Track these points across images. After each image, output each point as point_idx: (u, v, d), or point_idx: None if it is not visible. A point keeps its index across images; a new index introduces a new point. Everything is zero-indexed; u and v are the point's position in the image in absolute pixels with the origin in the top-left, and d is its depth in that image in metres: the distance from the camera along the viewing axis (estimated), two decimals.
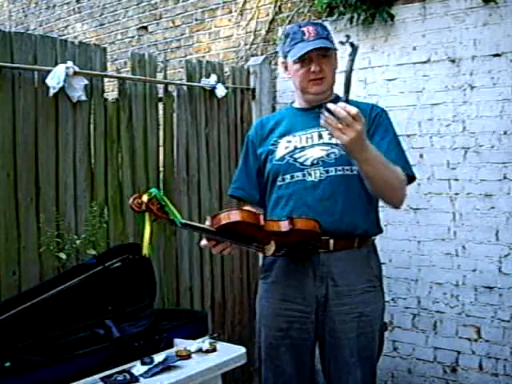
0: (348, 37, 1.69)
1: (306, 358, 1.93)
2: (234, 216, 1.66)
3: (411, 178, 1.91)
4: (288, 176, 1.89)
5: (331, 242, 1.84)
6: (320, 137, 1.89)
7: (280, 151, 1.92)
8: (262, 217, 1.72)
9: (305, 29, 1.85)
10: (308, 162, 1.86)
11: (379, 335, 1.93)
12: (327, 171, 1.84)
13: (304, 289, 1.87)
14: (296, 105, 2.03)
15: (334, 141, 1.84)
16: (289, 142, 1.92)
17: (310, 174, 1.86)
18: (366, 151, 1.65)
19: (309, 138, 1.90)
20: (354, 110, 1.56)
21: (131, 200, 1.55)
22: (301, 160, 1.88)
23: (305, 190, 1.86)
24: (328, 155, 1.85)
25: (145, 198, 1.52)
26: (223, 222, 1.65)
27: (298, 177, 1.87)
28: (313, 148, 1.88)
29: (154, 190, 1.54)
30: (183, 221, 1.62)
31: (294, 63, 1.88)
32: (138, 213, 1.54)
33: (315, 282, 1.86)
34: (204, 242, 1.75)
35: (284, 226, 1.72)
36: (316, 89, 1.90)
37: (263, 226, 1.69)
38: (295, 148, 1.90)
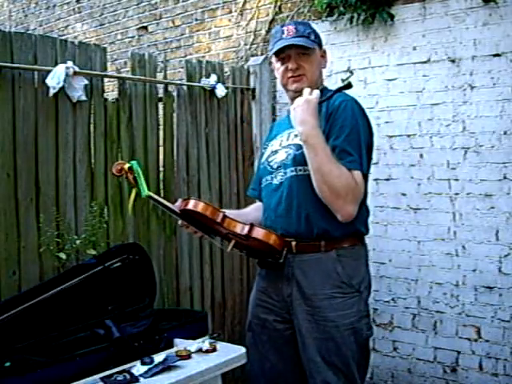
0: (351, 73, 1.78)
1: (287, 349, 1.93)
2: (195, 206, 1.78)
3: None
4: (264, 180, 1.97)
5: (293, 244, 1.84)
6: (288, 138, 1.92)
7: (265, 155, 2.01)
8: (221, 214, 1.79)
9: (285, 28, 1.89)
10: (275, 166, 1.91)
11: (356, 341, 1.84)
12: (285, 173, 1.87)
13: (276, 286, 1.91)
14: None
15: (295, 141, 1.87)
16: (272, 145, 1.99)
17: (275, 177, 1.90)
18: (306, 125, 1.71)
19: (282, 141, 1.95)
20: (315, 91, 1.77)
21: (115, 164, 1.77)
22: (272, 164, 1.93)
23: (270, 193, 1.91)
24: (287, 157, 1.87)
25: (126, 166, 1.74)
26: (186, 207, 1.79)
27: (267, 180, 1.94)
28: (281, 150, 1.92)
29: (133, 162, 1.75)
30: (149, 193, 1.76)
31: (276, 61, 1.93)
32: (117, 177, 1.81)
33: (283, 282, 1.89)
34: (180, 221, 1.89)
35: (241, 229, 1.78)
36: (295, 86, 1.91)
37: (220, 222, 1.77)
38: (271, 152, 1.97)
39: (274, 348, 1.94)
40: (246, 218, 1.93)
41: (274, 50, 1.88)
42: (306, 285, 1.85)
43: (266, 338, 1.95)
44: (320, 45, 1.95)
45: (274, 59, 1.95)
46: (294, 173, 1.84)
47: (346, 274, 1.84)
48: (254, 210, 2.06)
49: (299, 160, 1.81)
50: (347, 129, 1.77)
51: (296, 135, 1.84)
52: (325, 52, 1.98)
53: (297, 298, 1.86)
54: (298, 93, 1.86)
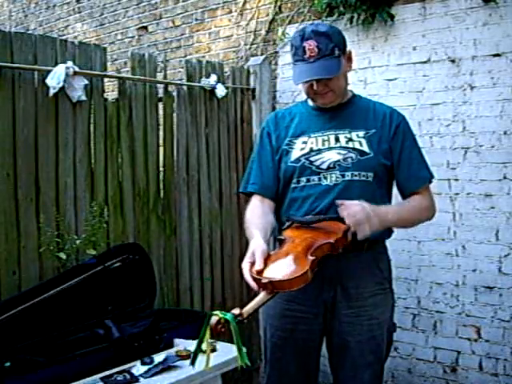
0: None
1: (311, 359, 1.93)
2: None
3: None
4: (304, 179, 1.86)
5: None
6: (337, 140, 1.87)
7: (295, 152, 1.89)
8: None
9: (306, 44, 1.78)
10: (324, 166, 1.84)
11: (388, 336, 1.92)
12: (343, 175, 1.82)
13: (311, 291, 1.83)
14: (310, 103, 1.98)
15: (351, 145, 1.85)
16: (304, 143, 1.89)
17: (325, 178, 1.83)
18: (382, 222, 1.71)
19: (325, 141, 1.87)
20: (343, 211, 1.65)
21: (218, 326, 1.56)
22: (317, 163, 1.85)
23: (320, 194, 1.83)
24: (345, 159, 1.83)
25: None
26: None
27: (313, 180, 1.84)
28: (329, 151, 1.85)
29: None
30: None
31: None
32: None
33: (323, 285, 1.84)
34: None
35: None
36: (322, 101, 1.89)
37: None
38: (311, 150, 1.87)
39: (298, 359, 1.90)
40: (268, 227, 1.83)
41: (299, 82, 1.82)
42: (351, 285, 1.84)
43: (290, 351, 1.90)
44: (344, 50, 1.86)
45: None
46: (357, 177, 1.82)
47: (386, 270, 1.94)
48: (265, 216, 1.87)
49: (364, 166, 1.82)
50: (414, 144, 1.93)
51: (349, 138, 1.86)
52: (350, 53, 1.90)
53: (340, 301, 1.85)
54: (329, 105, 1.90)
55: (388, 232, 1.95)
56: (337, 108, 1.92)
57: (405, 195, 1.90)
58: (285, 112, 2.04)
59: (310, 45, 1.78)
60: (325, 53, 1.78)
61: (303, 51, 1.78)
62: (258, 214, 1.86)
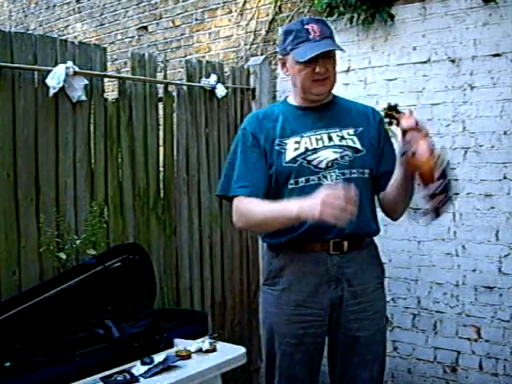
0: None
1: (317, 361, 1.95)
2: None
3: None
4: (302, 179, 1.83)
5: (345, 243, 1.84)
6: (330, 139, 1.87)
7: (290, 153, 1.85)
8: None
9: (309, 27, 1.81)
10: (322, 165, 1.84)
11: (386, 327, 2.03)
12: (343, 173, 1.83)
13: (319, 293, 1.85)
14: (292, 102, 1.97)
15: (344, 143, 1.87)
16: (297, 142, 1.87)
17: (325, 177, 1.82)
18: None
19: (319, 140, 1.87)
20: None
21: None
22: (315, 163, 1.84)
23: None
24: (342, 157, 1.85)
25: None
26: None
27: (313, 180, 1.82)
28: (325, 150, 1.85)
29: None
30: None
31: (297, 63, 1.82)
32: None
33: (330, 285, 1.86)
34: None
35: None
36: (319, 89, 1.87)
37: None
38: (307, 150, 1.85)
39: (307, 363, 1.91)
40: None
41: (309, 56, 1.77)
42: (356, 282, 1.87)
43: (300, 357, 1.89)
44: None
45: (290, 59, 1.85)
46: (355, 175, 1.84)
47: (382, 264, 2.01)
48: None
49: (360, 163, 1.86)
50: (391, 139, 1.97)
51: (341, 137, 1.88)
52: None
53: (348, 299, 1.87)
54: (322, 95, 1.90)
55: (378, 228, 1.98)
56: (323, 107, 1.93)
57: (384, 187, 1.90)
58: (266, 112, 2.01)
59: (313, 26, 1.82)
60: (326, 34, 1.83)
61: (307, 32, 1.81)
62: (260, 201, 1.82)
